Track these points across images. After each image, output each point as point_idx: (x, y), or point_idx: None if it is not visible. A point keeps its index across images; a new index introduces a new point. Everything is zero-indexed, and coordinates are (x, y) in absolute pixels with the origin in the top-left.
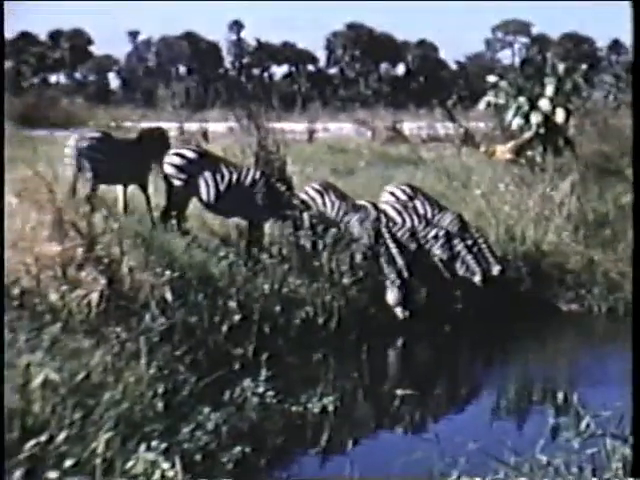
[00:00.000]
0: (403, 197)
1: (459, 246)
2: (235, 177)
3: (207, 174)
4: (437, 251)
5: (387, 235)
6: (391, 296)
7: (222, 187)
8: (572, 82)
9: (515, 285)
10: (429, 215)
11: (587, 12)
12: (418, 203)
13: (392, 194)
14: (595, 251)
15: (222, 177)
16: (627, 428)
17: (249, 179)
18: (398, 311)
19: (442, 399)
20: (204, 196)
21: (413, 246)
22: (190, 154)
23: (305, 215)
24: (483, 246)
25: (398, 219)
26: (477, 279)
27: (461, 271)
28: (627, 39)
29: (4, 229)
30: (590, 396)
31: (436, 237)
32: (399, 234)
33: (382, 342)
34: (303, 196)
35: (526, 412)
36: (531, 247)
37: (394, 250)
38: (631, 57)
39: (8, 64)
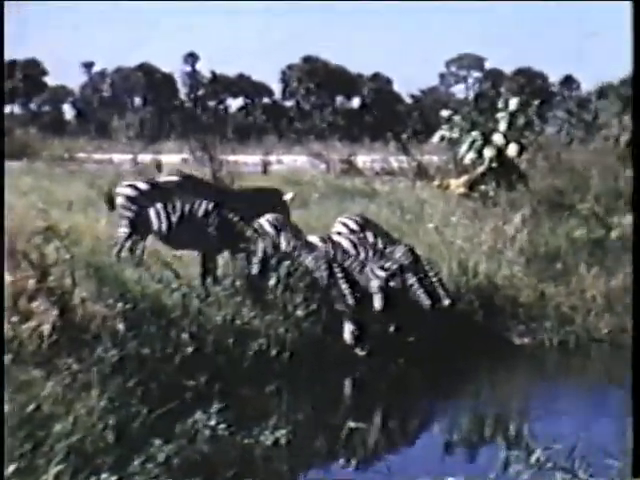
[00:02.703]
0: (355, 227)
1: (411, 279)
2: (187, 209)
3: (159, 206)
4: (390, 284)
5: (339, 275)
6: (347, 335)
7: (174, 219)
8: (525, 117)
9: (468, 318)
10: (380, 246)
11: (540, 48)
12: (369, 234)
13: (344, 225)
14: (547, 285)
15: (174, 209)
16: (577, 461)
17: (202, 211)
18: (357, 350)
19: (395, 432)
20: (156, 227)
21: (364, 278)
22: (142, 185)
23: (259, 246)
24: (434, 279)
25: (352, 251)
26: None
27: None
28: (579, 75)
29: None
30: (541, 429)
31: (388, 270)
32: (352, 266)
33: (336, 374)
34: (259, 229)
35: (478, 445)
36: (483, 280)
37: (346, 290)
38: (583, 92)
39: None
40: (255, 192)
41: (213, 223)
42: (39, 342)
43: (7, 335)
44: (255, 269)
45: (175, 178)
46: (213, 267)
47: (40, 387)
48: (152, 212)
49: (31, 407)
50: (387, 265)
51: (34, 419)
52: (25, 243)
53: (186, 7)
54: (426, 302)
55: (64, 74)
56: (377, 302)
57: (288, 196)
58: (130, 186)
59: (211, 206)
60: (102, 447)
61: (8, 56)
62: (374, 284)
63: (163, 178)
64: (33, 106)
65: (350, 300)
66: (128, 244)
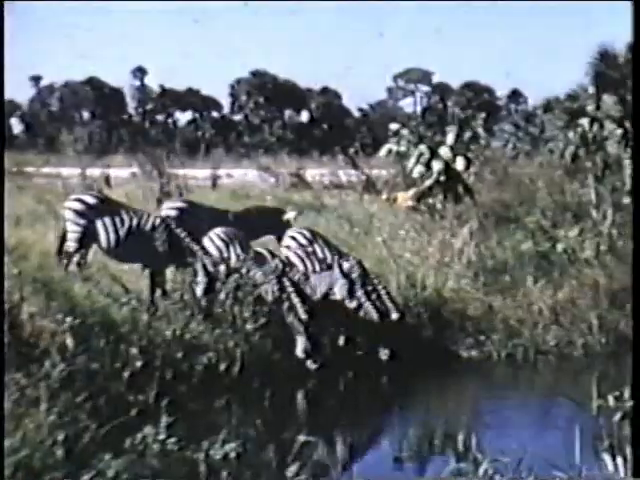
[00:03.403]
0: (303, 241)
1: (359, 292)
2: (135, 223)
3: (107, 220)
4: (337, 297)
5: (290, 289)
6: (300, 349)
7: (122, 233)
8: (472, 130)
9: (416, 331)
10: (329, 261)
11: (488, 60)
12: (317, 248)
13: (293, 238)
14: (494, 298)
15: (122, 223)
16: (524, 473)
17: (149, 225)
18: (308, 363)
19: (344, 445)
20: (103, 242)
21: (311, 292)
22: (90, 199)
23: (205, 261)
24: (382, 292)
25: (300, 266)
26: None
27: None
28: (526, 89)
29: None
30: (489, 442)
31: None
32: (301, 280)
33: (286, 388)
34: (208, 243)
35: (427, 457)
36: (432, 293)
37: (298, 304)
38: (530, 107)
39: None
40: (257, 213)
41: (160, 237)
42: None
43: None
44: (200, 289)
45: (179, 204)
46: (161, 281)
47: None
48: (100, 226)
49: None
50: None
51: None
52: None
53: (134, 21)
54: (374, 315)
55: (12, 88)
56: (352, 304)
57: (290, 215)
58: (77, 200)
59: (158, 220)
60: (51, 462)
61: None
62: (341, 284)
63: (167, 204)
64: None
65: (303, 314)
66: (76, 258)
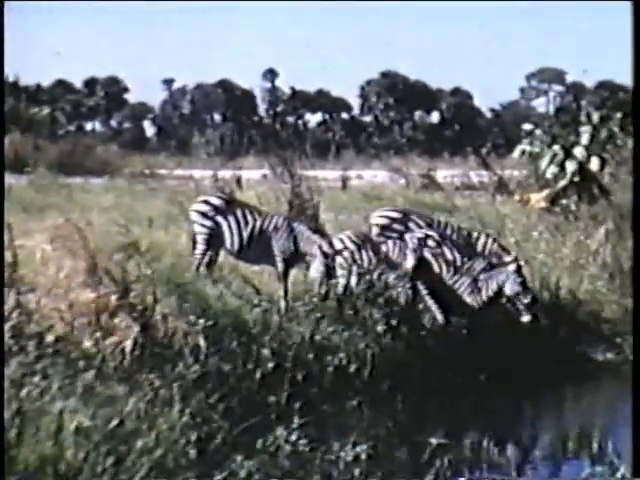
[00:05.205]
0: (432, 244)
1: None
2: (259, 224)
3: (231, 221)
4: (467, 298)
5: (424, 292)
6: None
7: (245, 234)
8: (607, 130)
9: (550, 333)
10: (458, 262)
11: (622, 59)
12: (446, 249)
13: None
14: (631, 300)
15: (246, 224)
16: None
17: (272, 226)
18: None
19: (476, 448)
20: (228, 243)
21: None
22: (215, 201)
23: (335, 263)
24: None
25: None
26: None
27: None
28: None
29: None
30: (625, 446)
31: (463, 284)
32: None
33: (416, 390)
34: (338, 244)
35: (561, 461)
36: (566, 295)
37: (433, 307)
38: None
39: (44, 111)
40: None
41: (282, 237)
42: (121, 358)
43: (90, 351)
44: (330, 291)
45: (395, 214)
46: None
47: (123, 402)
48: (225, 227)
49: (114, 422)
50: (461, 280)
51: (117, 434)
52: (107, 260)
53: (264, 24)
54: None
55: (144, 91)
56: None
57: (511, 268)
58: (204, 202)
59: (281, 220)
60: (184, 463)
61: (91, 72)
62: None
63: (377, 212)
64: (114, 123)
65: (440, 318)
66: (206, 260)
